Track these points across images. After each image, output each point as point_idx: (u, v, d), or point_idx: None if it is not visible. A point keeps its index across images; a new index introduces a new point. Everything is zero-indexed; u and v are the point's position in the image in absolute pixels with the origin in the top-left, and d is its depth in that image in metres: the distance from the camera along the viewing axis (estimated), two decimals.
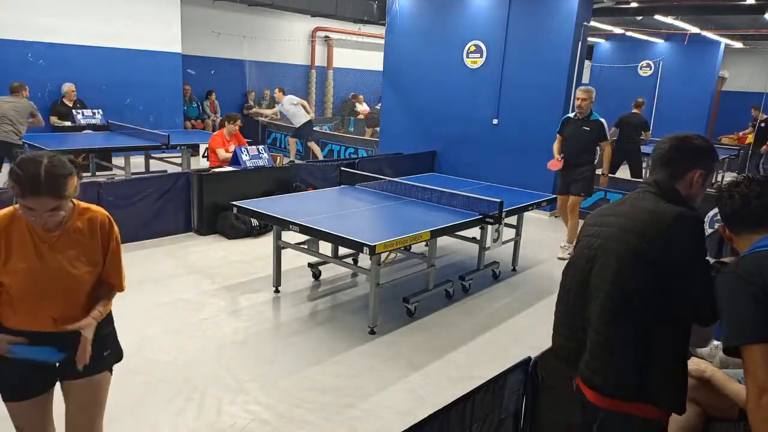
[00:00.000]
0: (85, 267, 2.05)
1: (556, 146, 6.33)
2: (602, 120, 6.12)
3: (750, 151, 12.04)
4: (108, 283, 2.15)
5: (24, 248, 1.97)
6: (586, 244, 2.01)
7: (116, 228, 2.15)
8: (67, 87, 9.36)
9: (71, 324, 1.97)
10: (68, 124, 9.09)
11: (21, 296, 1.98)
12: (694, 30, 12.48)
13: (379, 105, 12.36)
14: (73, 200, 2.04)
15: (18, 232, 1.97)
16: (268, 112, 12.14)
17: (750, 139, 14.93)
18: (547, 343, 2.26)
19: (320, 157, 10.74)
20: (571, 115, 6.28)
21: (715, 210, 2.57)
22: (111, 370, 2.23)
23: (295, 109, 10.57)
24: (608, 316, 1.86)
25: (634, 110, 9.91)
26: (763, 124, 11.69)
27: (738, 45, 14.94)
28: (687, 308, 1.81)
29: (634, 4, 9.49)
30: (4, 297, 2.00)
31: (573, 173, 6.21)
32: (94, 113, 9.30)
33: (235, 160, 7.10)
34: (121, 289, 2.19)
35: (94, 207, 2.13)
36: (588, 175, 6.20)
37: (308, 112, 10.72)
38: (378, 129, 11.17)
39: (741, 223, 1.87)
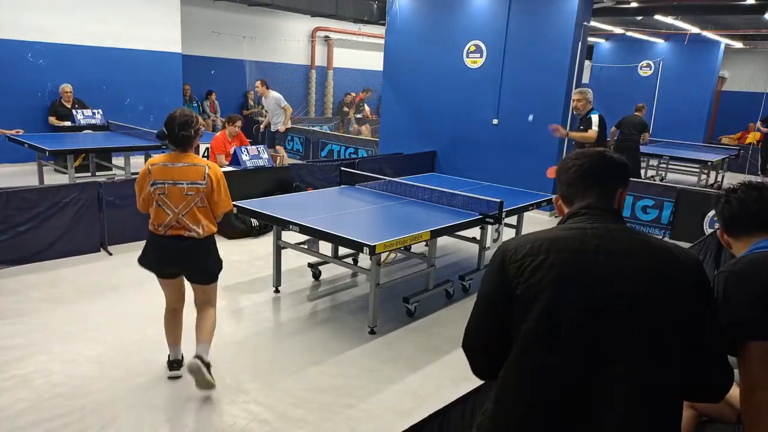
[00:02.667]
0: None
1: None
2: (595, 116, 6.29)
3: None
4: None
5: None
6: (571, 301, 1.40)
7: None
8: (63, 88, 9.33)
9: None
10: (68, 124, 9.09)
11: None
12: (694, 30, 12.47)
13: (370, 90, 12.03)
14: None
15: None
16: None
17: (750, 138, 14.97)
18: None
19: (286, 162, 9.57)
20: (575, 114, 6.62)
21: (714, 211, 2.56)
22: (216, 279, 3.46)
23: (279, 112, 9.37)
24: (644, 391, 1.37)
25: (636, 113, 9.92)
26: None
27: (738, 45, 14.95)
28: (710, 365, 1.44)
29: (634, 4, 9.49)
30: None
31: None
32: (94, 113, 9.31)
33: (235, 160, 7.10)
34: None
35: None
36: None
37: (285, 123, 9.42)
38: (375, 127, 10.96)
39: (739, 228, 1.89)
